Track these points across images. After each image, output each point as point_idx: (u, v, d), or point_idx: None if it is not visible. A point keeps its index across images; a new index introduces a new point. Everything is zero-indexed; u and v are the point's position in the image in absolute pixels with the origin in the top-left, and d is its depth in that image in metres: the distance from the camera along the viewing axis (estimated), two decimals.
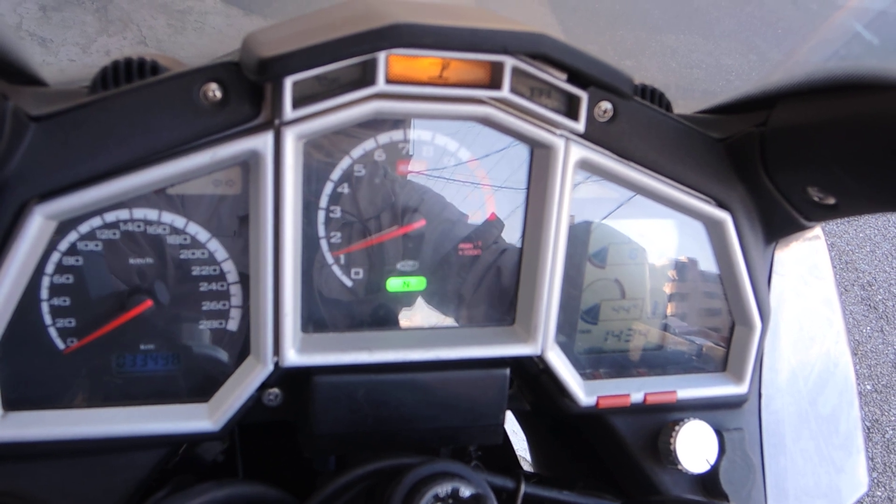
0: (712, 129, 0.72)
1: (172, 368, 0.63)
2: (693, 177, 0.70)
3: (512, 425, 0.88)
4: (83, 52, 3.47)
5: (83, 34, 3.55)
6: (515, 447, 0.96)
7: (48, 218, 0.56)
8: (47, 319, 0.60)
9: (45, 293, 0.59)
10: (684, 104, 0.79)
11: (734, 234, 0.72)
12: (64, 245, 0.59)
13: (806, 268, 0.89)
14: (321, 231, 0.64)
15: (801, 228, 0.76)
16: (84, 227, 0.59)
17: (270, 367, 0.63)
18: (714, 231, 0.73)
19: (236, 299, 0.64)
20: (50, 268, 0.59)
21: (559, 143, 0.64)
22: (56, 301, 0.60)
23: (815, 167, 0.67)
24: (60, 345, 0.60)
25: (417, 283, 0.68)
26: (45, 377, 0.61)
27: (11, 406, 0.60)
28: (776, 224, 0.75)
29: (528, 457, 1.10)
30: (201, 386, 0.64)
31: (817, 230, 0.90)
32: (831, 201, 0.68)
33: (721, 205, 0.72)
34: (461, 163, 0.66)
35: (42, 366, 0.61)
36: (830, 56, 0.67)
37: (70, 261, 0.59)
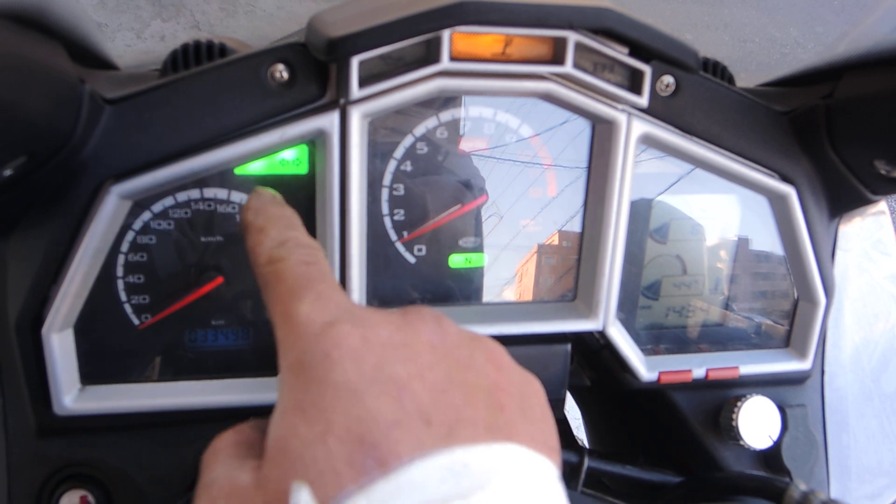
0: (776, 103, 0.71)
1: (242, 343, 0.65)
2: (757, 150, 0.70)
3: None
4: (137, 37, 3.53)
5: (137, 19, 3.61)
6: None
7: (123, 198, 0.58)
8: (123, 296, 0.62)
9: (120, 271, 0.61)
10: (746, 77, 0.78)
11: (799, 208, 0.71)
12: (138, 224, 0.61)
13: (870, 243, 0.88)
14: (385, 209, 0.65)
15: (867, 202, 0.74)
16: (157, 207, 0.61)
17: None
18: (778, 205, 0.72)
19: None
20: (125, 246, 0.61)
21: (622, 118, 0.64)
22: (131, 278, 0.61)
23: (884, 139, 0.66)
24: (135, 321, 0.62)
25: (479, 259, 0.69)
26: (121, 352, 0.63)
27: (89, 380, 0.62)
28: (841, 198, 0.74)
29: (580, 434, 1.11)
30: (270, 360, 0.65)
31: (882, 205, 0.89)
32: None
33: (785, 179, 0.71)
34: (522, 139, 0.67)
35: (118, 341, 0.63)
36: None
37: (144, 239, 0.61)
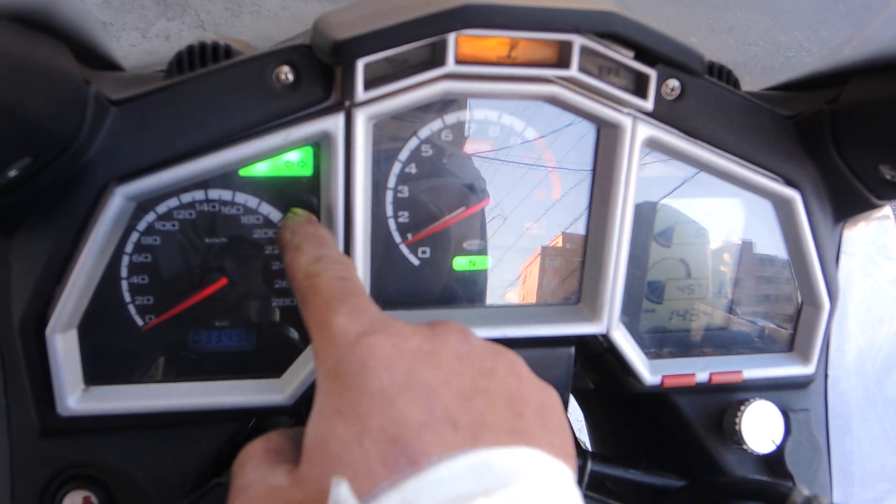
0: (781, 107, 0.71)
1: (245, 345, 0.65)
2: (761, 155, 0.69)
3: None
4: (142, 36, 3.53)
5: (142, 18, 3.62)
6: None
7: (128, 199, 0.58)
8: (127, 297, 0.62)
9: (124, 272, 0.61)
10: (751, 81, 0.78)
11: (803, 212, 0.71)
12: (142, 225, 0.61)
13: (874, 248, 0.88)
14: (389, 211, 0.65)
15: (871, 207, 0.74)
16: (162, 208, 0.61)
17: None
18: (783, 210, 0.72)
19: None
20: (129, 247, 0.61)
21: (627, 122, 0.64)
22: (135, 279, 0.61)
23: (889, 144, 0.66)
24: (139, 321, 0.62)
25: (483, 261, 0.69)
26: (125, 353, 0.63)
27: (92, 380, 0.62)
28: (846, 203, 0.74)
29: (582, 437, 1.10)
30: (273, 362, 0.65)
31: (886, 210, 0.89)
32: None
33: (790, 183, 0.71)
34: (527, 141, 0.67)
35: (121, 342, 0.63)
36: None
37: (148, 240, 0.61)
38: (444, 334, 0.44)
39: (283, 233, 0.56)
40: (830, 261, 0.74)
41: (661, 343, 0.75)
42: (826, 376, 0.81)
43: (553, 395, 0.46)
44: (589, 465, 0.71)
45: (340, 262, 0.50)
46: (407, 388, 0.39)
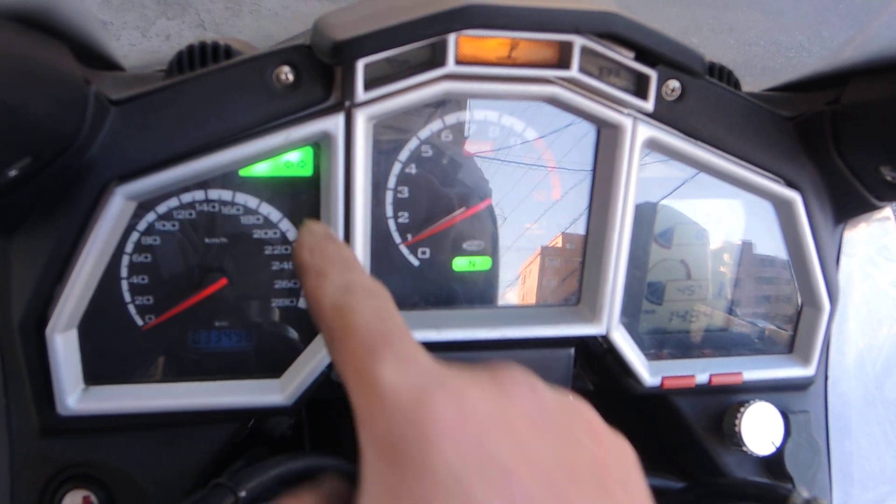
0: (782, 108, 0.71)
1: (245, 345, 0.65)
2: (762, 156, 0.69)
3: None
4: (143, 35, 3.53)
5: (143, 17, 3.62)
6: None
7: (128, 199, 0.58)
8: (127, 297, 0.62)
9: (124, 272, 0.61)
10: (751, 81, 0.78)
11: (804, 213, 0.71)
12: (142, 225, 0.61)
13: (875, 249, 0.88)
14: (389, 211, 0.65)
15: (872, 208, 0.74)
16: (162, 208, 0.61)
17: None
18: (783, 211, 0.72)
19: None
20: (129, 247, 0.61)
21: (627, 123, 0.64)
22: (135, 279, 0.61)
23: (889, 146, 0.66)
24: (139, 321, 0.62)
25: (483, 262, 0.69)
26: (125, 353, 0.63)
27: (92, 380, 0.62)
28: (846, 204, 0.74)
29: None
30: (273, 362, 0.65)
31: (887, 211, 0.89)
32: None
33: (790, 184, 0.71)
34: (527, 142, 0.67)
35: (121, 342, 0.63)
36: None
37: (148, 240, 0.61)
38: (511, 387, 0.37)
39: (301, 253, 0.46)
40: (831, 262, 0.74)
41: (660, 344, 0.74)
42: (826, 378, 0.81)
43: (629, 451, 0.40)
44: None
45: (373, 292, 0.41)
46: (480, 468, 0.32)
